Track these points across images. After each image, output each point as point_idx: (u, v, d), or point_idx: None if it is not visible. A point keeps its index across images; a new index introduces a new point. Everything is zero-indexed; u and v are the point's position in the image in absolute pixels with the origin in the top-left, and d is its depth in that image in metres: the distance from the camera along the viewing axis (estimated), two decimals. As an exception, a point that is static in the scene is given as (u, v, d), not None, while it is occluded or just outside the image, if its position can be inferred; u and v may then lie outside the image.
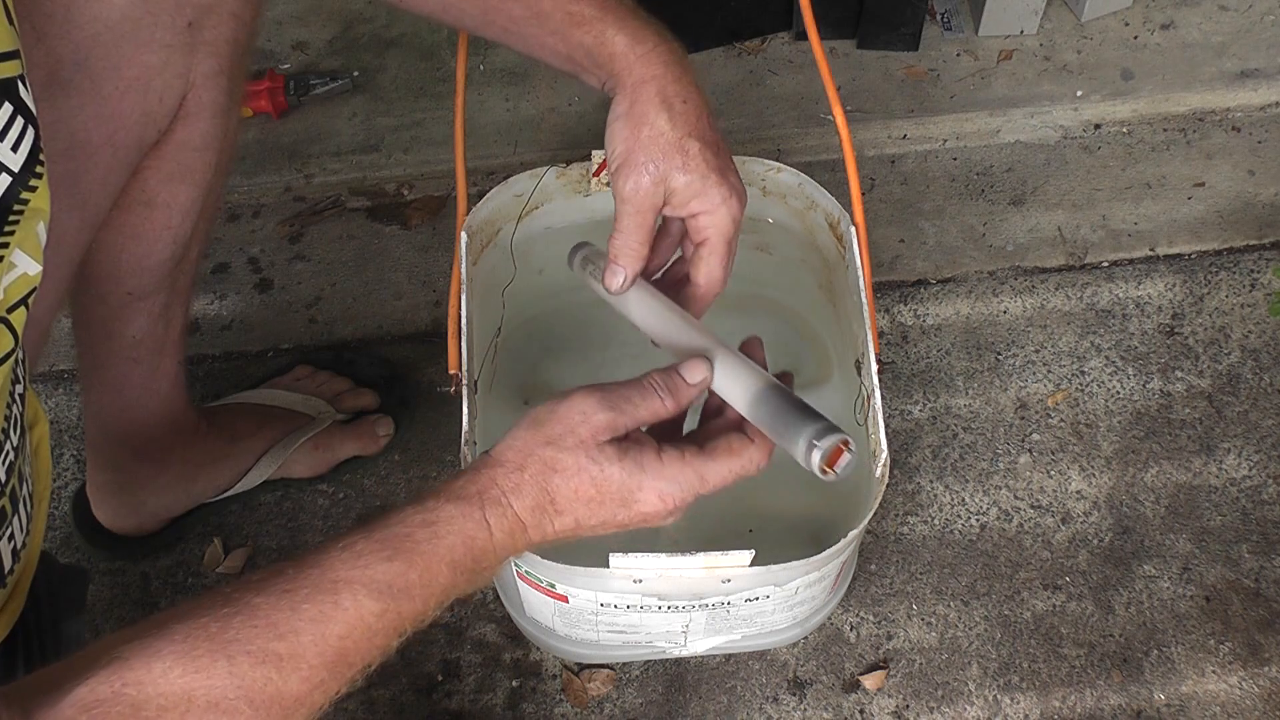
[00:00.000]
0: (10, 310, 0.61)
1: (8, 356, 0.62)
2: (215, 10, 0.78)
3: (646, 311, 0.79)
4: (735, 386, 0.72)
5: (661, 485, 0.67)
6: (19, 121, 0.58)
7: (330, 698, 0.60)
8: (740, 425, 0.71)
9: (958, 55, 1.44)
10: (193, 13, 0.76)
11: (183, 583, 1.12)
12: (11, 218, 0.58)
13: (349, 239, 1.32)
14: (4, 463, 0.66)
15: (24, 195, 0.59)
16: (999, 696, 1.07)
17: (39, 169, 0.60)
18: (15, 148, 0.58)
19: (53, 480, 0.92)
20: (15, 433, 0.68)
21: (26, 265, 0.61)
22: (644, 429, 0.70)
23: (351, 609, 0.59)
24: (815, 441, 0.67)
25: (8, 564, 0.70)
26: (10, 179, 0.58)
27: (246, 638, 0.56)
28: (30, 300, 0.63)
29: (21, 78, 0.59)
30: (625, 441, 0.67)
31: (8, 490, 0.67)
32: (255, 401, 1.15)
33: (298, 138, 1.38)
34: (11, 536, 0.70)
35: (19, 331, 0.63)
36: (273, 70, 1.40)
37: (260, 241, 1.32)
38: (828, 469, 0.68)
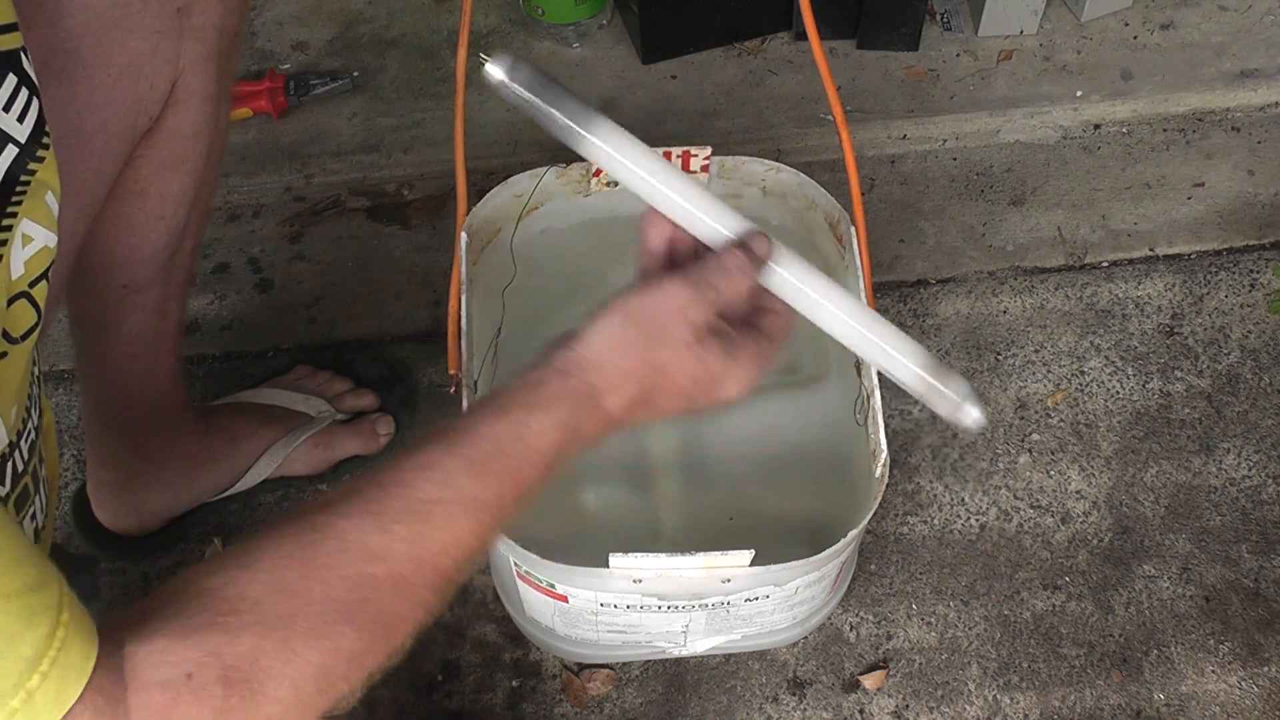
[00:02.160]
0: (33, 284, 0.61)
1: (31, 331, 0.62)
2: None
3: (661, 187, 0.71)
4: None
5: (745, 374, 0.68)
6: (24, 92, 0.58)
7: (434, 612, 0.60)
8: (771, 302, 0.72)
9: (958, 55, 1.44)
10: None
11: (183, 582, 1.12)
12: (19, 188, 0.58)
13: (349, 239, 1.32)
14: (27, 441, 0.67)
15: (31, 166, 0.59)
16: (999, 696, 1.07)
17: (45, 140, 0.60)
18: (21, 118, 0.58)
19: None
20: (35, 412, 0.69)
21: (45, 238, 0.61)
22: None
23: (446, 528, 0.59)
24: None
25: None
26: (17, 150, 0.58)
27: (339, 563, 0.56)
28: (50, 273, 0.63)
29: (23, 49, 0.59)
30: (721, 333, 0.68)
31: (30, 468, 0.68)
32: (255, 401, 1.15)
33: (298, 138, 1.38)
34: (34, 516, 0.70)
35: (42, 306, 0.63)
36: (273, 70, 1.40)
37: (260, 241, 1.32)
38: None
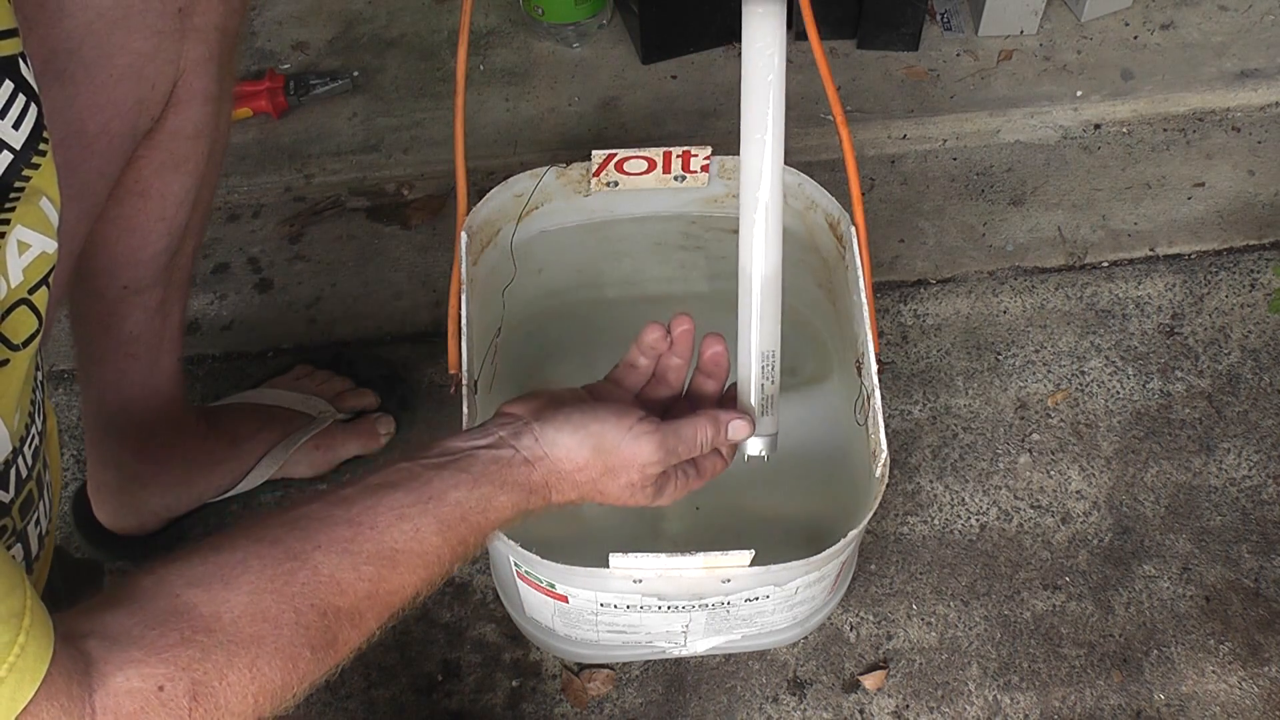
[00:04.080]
0: (32, 291, 0.61)
1: (33, 338, 0.62)
2: None
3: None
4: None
5: (667, 501, 0.79)
6: (20, 99, 0.58)
7: (374, 637, 0.66)
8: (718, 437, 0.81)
9: (958, 55, 1.44)
10: None
11: (183, 583, 1.12)
12: (12, 195, 0.58)
13: (349, 239, 1.32)
14: (31, 447, 0.67)
15: (26, 173, 0.59)
16: (999, 696, 1.07)
17: (43, 146, 0.60)
18: (17, 125, 0.58)
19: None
20: (39, 417, 0.69)
21: (43, 244, 0.61)
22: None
23: (406, 575, 0.66)
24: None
25: (34, 549, 0.70)
26: (12, 156, 0.57)
27: (311, 593, 0.61)
28: (51, 279, 0.63)
29: (22, 55, 0.59)
30: (664, 478, 0.78)
31: (34, 474, 0.68)
32: (256, 402, 1.15)
33: (298, 138, 1.38)
34: (38, 521, 0.70)
35: (43, 312, 0.63)
36: (273, 70, 1.40)
37: (260, 241, 1.32)
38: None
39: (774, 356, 0.82)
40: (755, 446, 0.82)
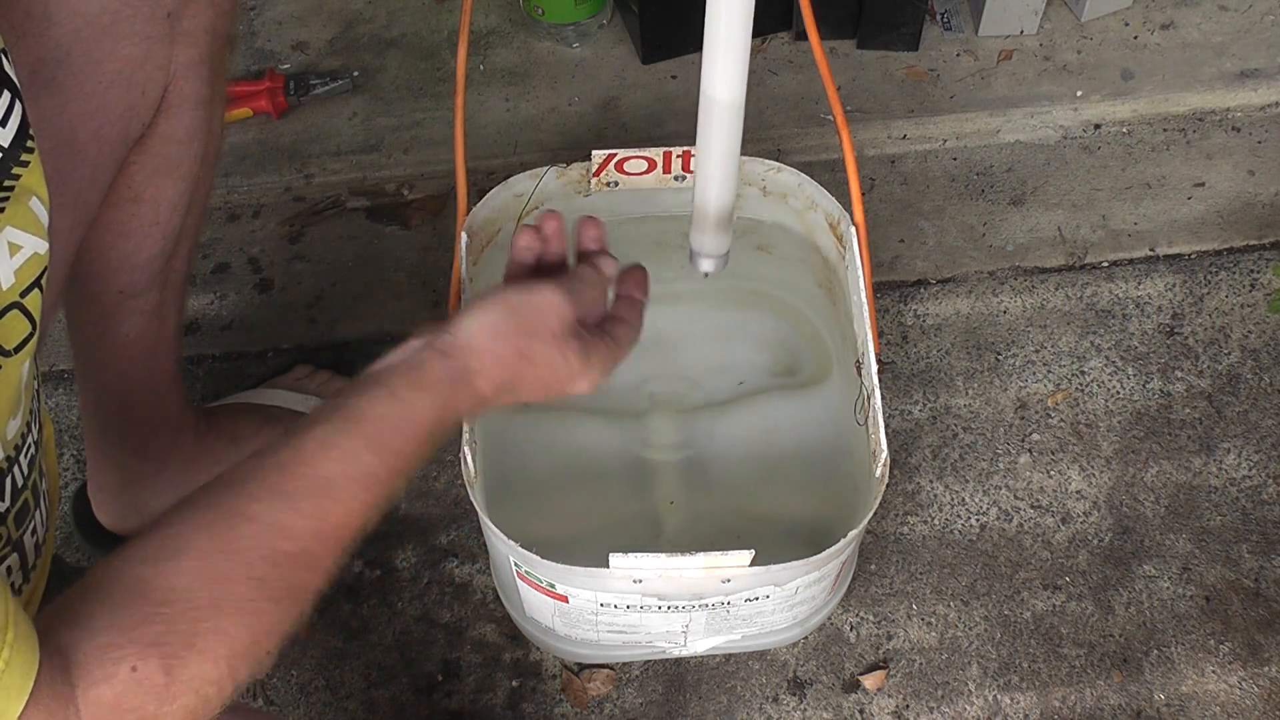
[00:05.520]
0: (24, 294, 0.61)
1: (25, 343, 0.62)
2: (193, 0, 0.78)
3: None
4: None
5: (595, 373, 0.77)
6: (5, 95, 0.58)
7: (334, 577, 0.65)
8: (633, 304, 0.83)
9: (958, 55, 1.44)
10: (171, 3, 0.76)
11: (183, 583, 1.12)
12: (1, 194, 0.58)
13: (349, 239, 1.32)
14: (27, 456, 0.66)
15: (15, 171, 0.58)
16: (999, 696, 1.07)
17: (30, 144, 0.59)
18: (4, 123, 0.57)
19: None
20: (35, 426, 0.68)
21: (34, 245, 0.61)
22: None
23: (347, 502, 0.65)
24: None
25: (31, 558, 0.70)
26: (0, 154, 0.57)
27: (257, 545, 0.61)
28: (44, 282, 0.63)
29: (4, 51, 0.58)
30: (580, 335, 0.76)
31: (30, 483, 0.68)
32: (256, 402, 1.15)
33: (298, 138, 1.38)
34: (35, 530, 0.70)
35: (36, 317, 0.62)
36: (273, 70, 1.40)
37: (260, 241, 1.32)
38: None
39: (728, 180, 0.83)
40: (705, 265, 0.86)
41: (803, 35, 1.43)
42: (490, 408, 0.74)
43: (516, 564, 0.89)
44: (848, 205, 0.96)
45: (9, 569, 0.68)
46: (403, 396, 0.68)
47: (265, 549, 0.61)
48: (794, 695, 1.07)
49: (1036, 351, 1.24)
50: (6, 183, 0.58)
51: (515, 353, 0.73)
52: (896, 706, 1.07)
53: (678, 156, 0.99)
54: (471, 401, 0.72)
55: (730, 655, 1.08)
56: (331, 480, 0.64)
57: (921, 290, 1.29)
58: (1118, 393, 1.22)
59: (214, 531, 0.60)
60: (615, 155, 0.99)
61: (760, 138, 1.36)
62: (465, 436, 0.87)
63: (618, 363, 0.80)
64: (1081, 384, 1.23)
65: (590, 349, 0.76)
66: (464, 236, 0.94)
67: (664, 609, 0.92)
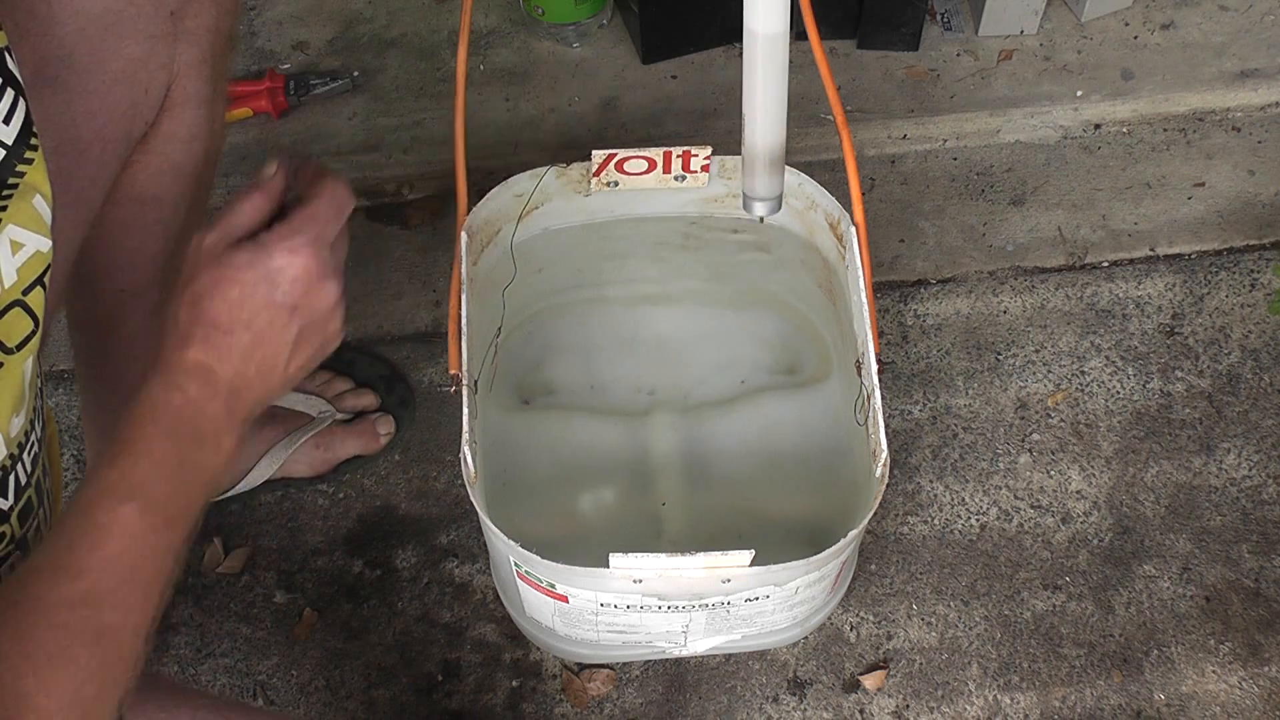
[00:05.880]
0: (26, 292, 0.61)
1: (28, 340, 0.62)
2: None
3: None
4: None
5: (288, 242, 0.69)
6: (9, 93, 0.58)
7: (149, 620, 0.61)
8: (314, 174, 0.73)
9: (958, 55, 1.44)
10: (174, 2, 0.76)
11: (183, 583, 1.12)
12: (5, 192, 0.58)
13: (349, 239, 1.32)
14: (30, 454, 0.66)
15: (20, 168, 0.58)
16: (999, 696, 1.07)
17: (33, 141, 0.59)
18: (8, 120, 0.57)
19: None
20: (39, 424, 0.68)
21: (37, 243, 0.61)
22: None
23: (117, 534, 0.59)
24: None
25: None
26: (4, 152, 0.57)
27: (45, 591, 0.57)
28: (46, 279, 0.63)
29: (7, 49, 0.58)
30: (242, 240, 0.67)
31: (34, 481, 0.68)
32: (255, 401, 1.14)
33: (298, 138, 1.38)
34: (39, 529, 0.70)
35: (39, 314, 0.62)
36: (273, 70, 1.40)
37: (260, 241, 1.32)
38: None
39: (775, 117, 0.80)
40: (759, 209, 0.84)
41: (803, 35, 1.43)
42: (253, 378, 0.68)
43: (516, 564, 0.89)
44: (848, 205, 0.96)
45: (13, 567, 0.68)
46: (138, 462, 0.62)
47: (54, 595, 0.57)
48: (794, 695, 1.07)
49: (1036, 351, 1.24)
50: (10, 180, 0.58)
51: (187, 308, 0.66)
52: (896, 706, 1.07)
53: (678, 156, 0.99)
54: (217, 390, 0.65)
55: (730, 655, 1.08)
56: (94, 513, 0.59)
57: (921, 290, 1.29)
58: (1118, 393, 1.22)
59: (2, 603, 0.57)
60: (615, 155, 0.99)
61: (760, 138, 1.36)
62: (464, 436, 0.87)
63: (324, 216, 0.74)
64: (1081, 384, 1.23)
65: (258, 236, 0.68)
66: (464, 236, 0.94)
67: (664, 609, 0.92)
